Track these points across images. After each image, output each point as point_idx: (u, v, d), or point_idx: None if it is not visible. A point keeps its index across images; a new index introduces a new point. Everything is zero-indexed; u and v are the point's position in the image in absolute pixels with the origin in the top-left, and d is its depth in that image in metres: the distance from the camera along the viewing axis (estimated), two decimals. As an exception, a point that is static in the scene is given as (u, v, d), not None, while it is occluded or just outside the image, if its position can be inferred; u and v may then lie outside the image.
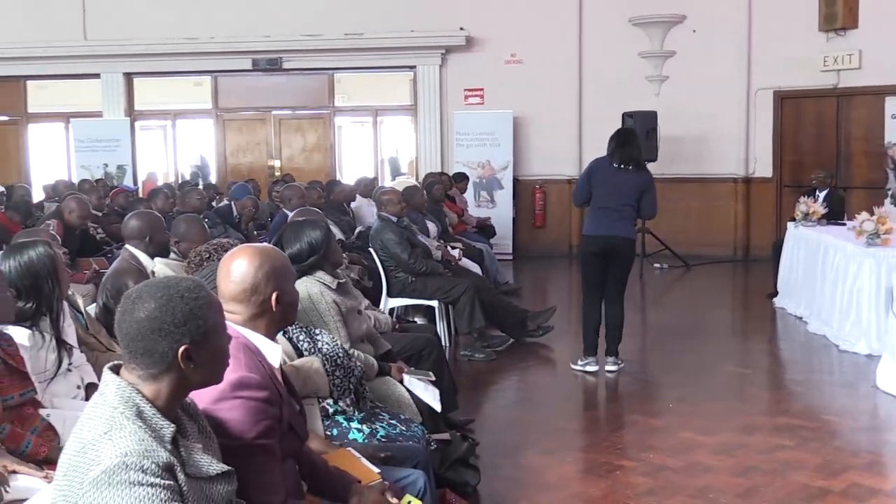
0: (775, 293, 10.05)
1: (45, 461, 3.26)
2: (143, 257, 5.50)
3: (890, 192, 11.85)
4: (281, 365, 3.00)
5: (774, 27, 13.18)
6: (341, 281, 4.81)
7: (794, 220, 10.03)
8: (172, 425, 2.20)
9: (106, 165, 14.98)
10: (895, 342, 6.50)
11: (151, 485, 2.03)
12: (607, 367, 7.20)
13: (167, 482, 2.06)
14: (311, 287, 4.43)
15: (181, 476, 2.12)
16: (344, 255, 6.23)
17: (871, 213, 7.98)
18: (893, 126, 11.97)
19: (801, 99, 13.46)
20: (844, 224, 9.08)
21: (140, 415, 2.14)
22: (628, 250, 7.21)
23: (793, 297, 9.56)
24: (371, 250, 7.91)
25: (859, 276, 7.77)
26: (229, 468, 2.31)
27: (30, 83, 15.81)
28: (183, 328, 2.19)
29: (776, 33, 13.17)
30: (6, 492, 2.99)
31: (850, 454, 5.37)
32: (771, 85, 13.50)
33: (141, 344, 2.19)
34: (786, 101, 13.56)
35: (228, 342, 2.37)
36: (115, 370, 2.24)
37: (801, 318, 9.01)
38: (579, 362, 7.25)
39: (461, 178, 12.92)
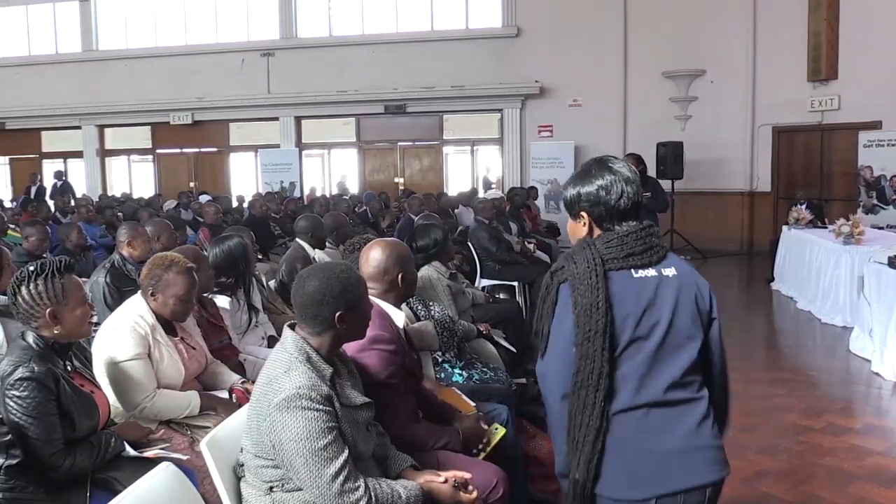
0: (772, 279, 9.74)
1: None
2: (307, 248, 5.60)
3: (861, 204, 11.40)
4: (404, 326, 3.03)
5: (773, 78, 12.77)
6: (452, 271, 4.84)
7: (787, 224, 9.76)
8: (331, 368, 2.25)
9: (282, 182, 15.32)
10: (864, 317, 6.25)
11: (316, 409, 2.09)
12: None
13: (327, 408, 2.12)
14: (431, 272, 4.45)
15: (337, 405, 2.17)
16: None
17: (847, 220, 7.73)
18: (864, 154, 11.54)
19: (793, 133, 12.99)
20: (826, 227, 8.75)
21: (309, 360, 2.20)
22: None
23: (785, 282, 9.26)
24: (469, 244, 7.92)
25: (838, 266, 7.50)
26: (370, 400, 2.35)
27: (231, 125, 16.20)
28: (339, 299, 2.24)
29: (774, 82, 12.76)
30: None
31: (828, 401, 5.20)
32: (770, 122, 13.06)
33: (310, 310, 2.24)
34: (781, 135, 13.12)
35: (370, 310, 2.41)
36: (292, 327, 2.31)
37: (791, 298, 8.72)
38: None
39: (533, 190, 12.87)
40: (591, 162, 2.15)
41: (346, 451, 2.12)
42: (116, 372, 2.93)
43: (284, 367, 2.18)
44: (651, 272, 2.01)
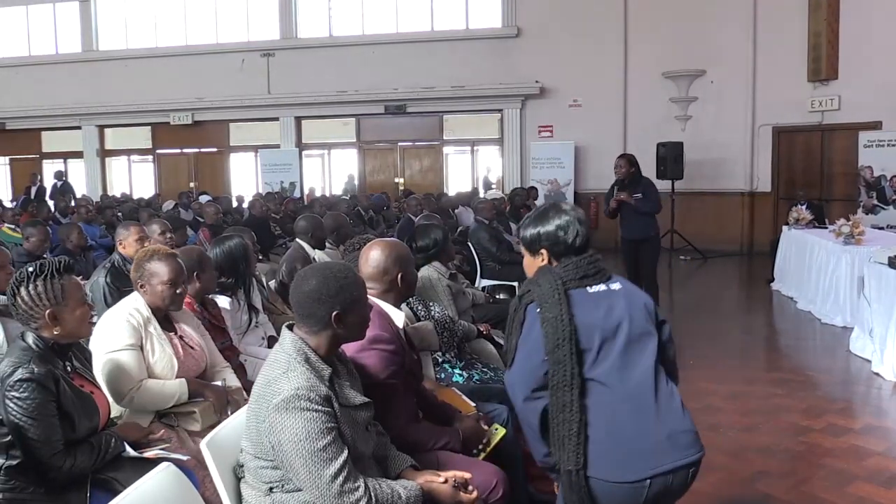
0: (772, 279, 9.74)
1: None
2: (307, 248, 5.61)
3: (862, 204, 11.41)
4: (404, 326, 3.03)
5: (773, 78, 12.77)
6: (452, 271, 4.83)
7: (787, 224, 9.77)
8: (329, 368, 2.24)
9: (282, 182, 15.32)
10: (864, 317, 6.25)
11: (315, 410, 2.09)
12: None
13: (326, 409, 2.12)
14: (431, 273, 4.44)
15: (336, 405, 2.17)
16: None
17: (848, 220, 7.74)
18: (864, 154, 11.54)
19: (793, 133, 13.00)
20: (826, 227, 8.76)
21: (307, 360, 2.20)
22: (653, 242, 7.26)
23: (786, 283, 9.27)
24: (469, 244, 7.92)
25: (838, 267, 7.50)
26: (368, 399, 2.35)
27: (231, 125, 16.22)
28: (335, 298, 2.23)
29: (774, 82, 12.76)
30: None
31: (828, 401, 5.20)
32: (770, 122, 13.06)
33: (306, 309, 2.24)
34: (782, 135, 13.12)
35: (369, 312, 2.40)
36: (290, 328, 2.30)
37: (791, 299, 8.72)
38: None
39: (533, 190, 12.85)
40: (547, 206, 2.54)
41: (346, 452, 2.12)
42: (107, 361, 2.95)
43: (283, 367, 2.18)
44: (602, 287, 2.38)
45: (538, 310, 2.30)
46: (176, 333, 3.20)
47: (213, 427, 2.96)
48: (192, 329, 3.31)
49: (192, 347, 3.22)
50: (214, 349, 3.40)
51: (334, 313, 2.23)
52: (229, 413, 3.10)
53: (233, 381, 3.35)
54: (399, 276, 2.95)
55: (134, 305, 3.12)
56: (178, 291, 3.16)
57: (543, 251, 2.47)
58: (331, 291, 2.24)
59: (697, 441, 2.32)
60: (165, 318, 3.20)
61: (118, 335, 2.99)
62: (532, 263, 2.52)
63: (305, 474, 2.07)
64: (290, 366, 2.18)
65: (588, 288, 2.35)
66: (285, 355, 2.22)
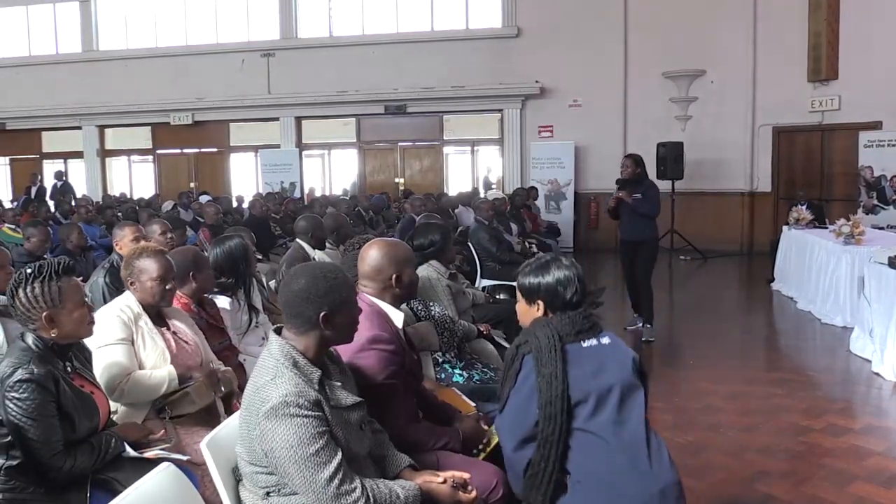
0: (772, 279, 9.74)
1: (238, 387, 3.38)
2: (307, 248, 5.62)
3: (862, 204, 11.41)
4: (403, 326, 3.03)
5: (773, 78, 12.76)
6: (452, 271, 4.83)
7: (787, 224, 9.77)
8: (319, 370, 2.23)
9: (282, 182, 15.30)
10: (864, 317, 6.26)
11: (305, 416, 2.08)
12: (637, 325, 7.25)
13: (316, 413, 2.11)
14: (430, 272, 4.43)
15: (326, 408, 2.16)
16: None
17: (848, 220, 7.74)
18: (865, 154, 11.54)
19: (793, 133, 13.00)
20: (826, 227, 8.76)
21: (295, 364, 2.19)
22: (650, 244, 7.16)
23: (786, 283, 9.27)
24: (469, 244, 7.91)
25: (838, 267, 7.51)
26: (360, 399, 2.33)
27: (231, 125, 16.19)
28: (324, 298, 2.22)
29: (774, 82, 12.75)
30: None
31: (828, 401, 5.21)
32: (770, 122, 13.06)
33: (295, 308, 2.23)
34: (782, 135, 13.12)
35: (358, 314, 2.38)
36: (278, 331, 2.29)
37: (791, 299, 8.72)
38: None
39: (533, 190, 12.85)
40: (549, 258, 2.68)
41: (340, 454, 2.11)
42: (98, 356, 2.96)
43: (271, 373, 2.16)
44: (594, 341, 2.49)
45: (534, 363, 2.39)
46: (169, 329, 3.22)
47: (209, 408, 3.04)
48: (186, 327, 3.32)
49: (185, 342, 3.23)
50: (209, 349, 3.40)
51: (322, 314, 2.21)
52: (223, 390, 3.18)
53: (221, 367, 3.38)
54: (394, 276, 2.92)
55: (125, 302, 3.16)
56: (167, 287, 3.18)
57: (540, 302, 2.59)
58: (320, 291, 2.22)
59: (683, 492, 2.40)
60: (158, 314, 3.23)
61: (109, 330, 3.02)
62: (527, 311, 2.66)
63: (301, 479, 2.06)
64: (277, 372, 2.16)
65: (582, 342, 2.46)
66: (273, 360, 2.20)
